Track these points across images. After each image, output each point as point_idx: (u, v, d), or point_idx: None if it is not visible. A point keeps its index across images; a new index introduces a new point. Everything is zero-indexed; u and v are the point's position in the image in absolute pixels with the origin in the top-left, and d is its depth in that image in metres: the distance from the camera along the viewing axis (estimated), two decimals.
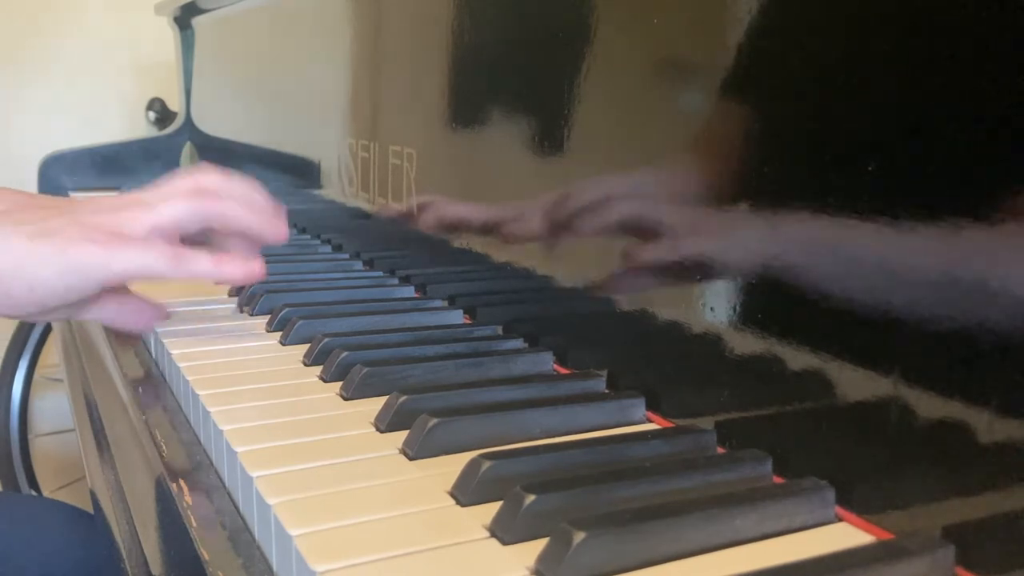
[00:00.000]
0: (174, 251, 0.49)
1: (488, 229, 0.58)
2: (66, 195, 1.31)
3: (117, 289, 0.53)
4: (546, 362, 0.50)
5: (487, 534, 0.32)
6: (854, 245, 0.34)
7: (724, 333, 0.39)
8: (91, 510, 0.52)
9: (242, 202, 0.54)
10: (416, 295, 0.66)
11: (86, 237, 0.48)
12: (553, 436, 0.41)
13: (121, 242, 0.48)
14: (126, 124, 1.73)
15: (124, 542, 0.42)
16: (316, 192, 0.90)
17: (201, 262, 0.51)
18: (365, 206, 0.77)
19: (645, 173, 0.45)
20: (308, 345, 0.52)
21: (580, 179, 0.49)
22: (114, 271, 0.48)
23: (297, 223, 0.95)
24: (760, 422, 0.38)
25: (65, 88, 1.71)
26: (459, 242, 0.62)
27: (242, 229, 0.54)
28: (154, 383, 0.55)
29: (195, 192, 0.53)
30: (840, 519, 0.34)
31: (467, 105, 0.61)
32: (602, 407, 0.42)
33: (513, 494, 0.31)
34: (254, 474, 0.36)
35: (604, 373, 0.47)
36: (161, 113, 1.67)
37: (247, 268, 0.53)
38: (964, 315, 0.30)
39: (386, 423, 0.41)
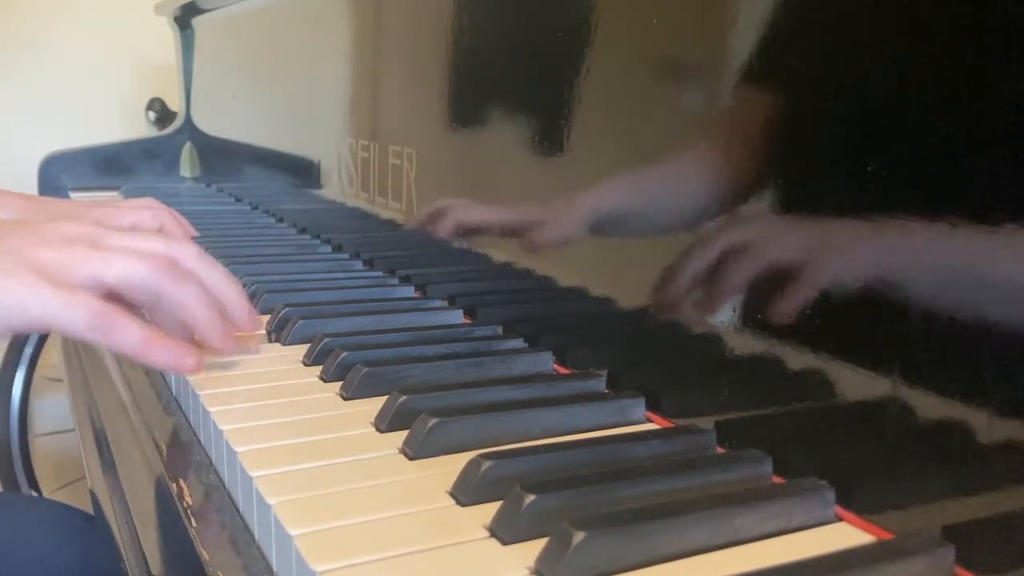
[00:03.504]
0: (103, 312, 0.41)
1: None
2: (66, 195, 1.31)
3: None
4: (546, 362, 0.50)
5: (487, 534, 0.31)
6: (854, 245, 0.34)
7: (724, 333, 0.39)
8: (91, 510, 0.52)
9: (207, 294, 0.47)
10: (416, 295, 0.66)
11: (7, 271, 0.41)
12: (553, 436, 0.41)
13: (46, 287, 0.41)
14: (126, 124, 1.73)
15: (124, 542, 0.42)
16: (316, 192, 0.90)
17: (128, 335, 0.42)
18: (365, 206, 0.77)
19: (645, 172, 0.45)
20: (308, 345, 0.52)
21: (581, 178, 0.49)
22: (27, 319, 0.41)
23: (297, 223, 0.95)
24: (760, 422, 0.38)
25: (65, 88, 1.71)
26: (459, 242, 0.62)
27: (191, 325, 0.47)
28: (154, 383, 0.55)
29: (163, 262, 0.45)
30: (840, 519, 0.34)
31: (467, 105, 0.61)
32: (602, 407, 0.42)
33: (513, 494, 0.31)
34: (254, 474, 0.36)
35: (604, 373, 0.47)
36: (161, 113, 1.67)
37: (178, 361, 0.44)
38: (964, 315, 0.30)
39: (386, 423, 0.41)
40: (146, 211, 0.62)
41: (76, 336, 0.42)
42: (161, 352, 0.43)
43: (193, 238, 0.69)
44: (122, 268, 0.43)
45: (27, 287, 0.40)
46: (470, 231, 0.61)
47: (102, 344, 0.43)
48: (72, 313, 0.41)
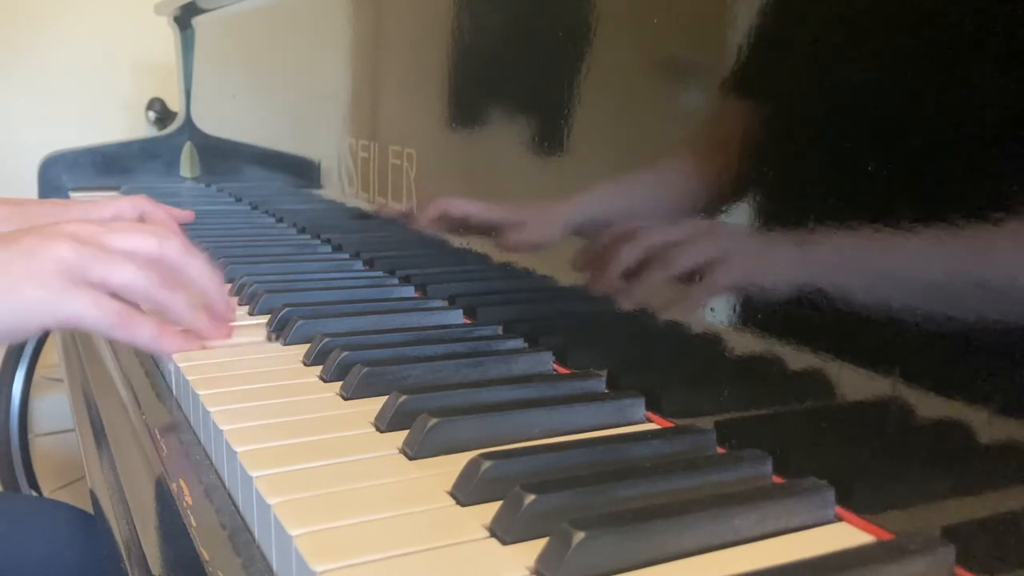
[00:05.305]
0: (122, 312, 0.48)
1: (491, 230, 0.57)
2: (66, 195, 1.31)
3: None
4: (546, 362, 0.50)
5: (487, 534, 0.32)
6: (854, 246, 0.33)
7: (724, 333, 0.39)
8: (91, 510, 0.52)
9: (193, 295, 0.53)
10: (416, 295, 0.66)
11: (37, 279, 0.46)
12: (553, 436, 0.41)
13: (72, 289, 0.47)
14: (126, 124, 1.73)
15: (124, 542, 0.42)
16: (316, 192, 0.90)
17: (144, 330, 0.49)
18: (365, 206, 0.77)
19: (644, 173, 0.45)
20: (308, 345, 0.52)
21: (579, 181, 0.49)
22: (58, 318, 0.47)
23: (297, 223, 0.95)
24: (760, 422, 0.38)
25: (65, 88, 1.71)
26: (459, 242, 0.62)
27: (179, 323, 0.53)
28: (154, 383, 0.55)
29: (157, 272, 0.50)
30: (840, 519, 0.34)
31: (467, 105, 0.61)
32: (602, 407, 0.42)
33: (513, 494, 0.31)
34: (254, 474, 0.36)
35: (604, 373, 0.47)
36: (161, 113, 1.67)
37: (186, 347, 0.52)
38: (964, 315, 0.30)
39: (386, 423, 0.41)
40: (124, 201, 0.68)
41: (100, 332, 0.48)
42: (171, 341, 0.51)
43: (188, 222, 0.78)
44: (126, 277, 0.49)
45: (59, 291, 0.46)
46: (455, 224, 0.61)
47: (120, 338, 0.49)
48: (101, 313, 0.47)
